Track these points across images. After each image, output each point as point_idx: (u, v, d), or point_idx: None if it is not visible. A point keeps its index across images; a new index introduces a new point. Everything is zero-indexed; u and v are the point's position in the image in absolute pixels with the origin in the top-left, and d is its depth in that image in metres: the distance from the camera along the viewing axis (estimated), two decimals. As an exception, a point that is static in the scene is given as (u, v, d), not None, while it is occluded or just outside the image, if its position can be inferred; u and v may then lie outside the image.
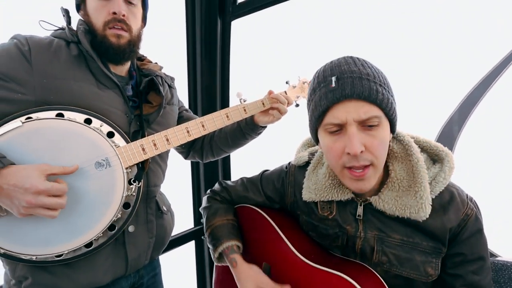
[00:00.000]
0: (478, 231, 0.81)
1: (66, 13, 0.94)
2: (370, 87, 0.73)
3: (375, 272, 0.85)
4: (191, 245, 1.78)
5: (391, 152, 0.86)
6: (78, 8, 0.95)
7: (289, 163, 1.08)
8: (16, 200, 0.70)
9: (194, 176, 1.78)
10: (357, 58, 0.79)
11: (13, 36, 0.86)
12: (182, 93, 1.25)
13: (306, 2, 1.32)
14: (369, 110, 0.73)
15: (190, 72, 1.61)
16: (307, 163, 1.01)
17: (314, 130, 0.84)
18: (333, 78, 0.75)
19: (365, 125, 0.74)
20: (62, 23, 0.95)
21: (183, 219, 1.42)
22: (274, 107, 1.13)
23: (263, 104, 1.14)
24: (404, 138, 0.85)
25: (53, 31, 0.93)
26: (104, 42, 0.90)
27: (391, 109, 0.76)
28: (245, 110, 1.10)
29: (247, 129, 1.16)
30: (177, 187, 1.25)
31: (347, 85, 0.73)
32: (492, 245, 0.95)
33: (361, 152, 0.74)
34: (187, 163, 1.74)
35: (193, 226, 1.80)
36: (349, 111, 0.74)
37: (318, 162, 0.98)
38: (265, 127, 1.19)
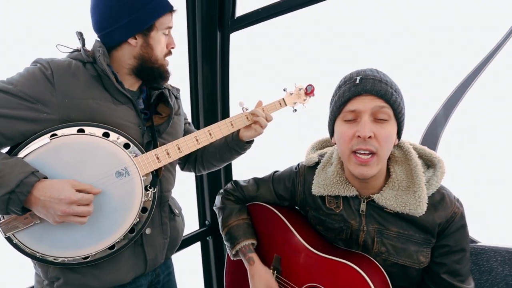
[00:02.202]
0: (462, 227, 0.94)
1: (81, 36, 1.01)
2: (387, 89, 0.87)
3: (375, 261, 0.97)
4: (197, 246, 1.87)
5: (392, 156, 0.98)
6: (125, 37, 0.98)
7: (298, 164, 1.19)
8: (51, 210, 0.79)
9: (197, 180, 1.87)
10: (381, 71, 0.94)
11: (35, 60, 0.92)
12: (184, 102, 1.33)
13: (300, 15, 1.43)
14: (383, 106, 0.87)
15: (192, 82, 1.70)
16: (317, 163, 1.12)
17: (333, 120, 0.97)
18: (358, 77, 0.90)
19: (377, 118, 0.88)
20: (68, 43, 1.02)
21: (188, 222, 1.50)
22: (256, 121, 1.17)
23: (247, 118, 1.19)
24: (404, 144, 0.98)
25: (69, 53, 1.01)
26: (160, 70, 1.04)
27: (400, 112, 0.90)
28: (247, 117, 1.19)
29: (233, 145, 1.21)
30: (181, 191, 1.34)
31: (368, 83, 0.88)
32: (473, 233, 1.06)
33: (370, 137, 0.86)
34: (191, 168, 1.82)
35: (198, 228, 1.89)
36: (366, 103, 0.88)
37: (328, 161, 1.09)
38: (251, 143, 1.24)
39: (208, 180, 1.83)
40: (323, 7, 1.33)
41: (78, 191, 0.83)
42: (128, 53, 1.01)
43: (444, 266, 0.94)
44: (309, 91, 1.33)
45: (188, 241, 1.74)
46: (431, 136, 1.30)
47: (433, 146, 1.28)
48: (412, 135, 1.11)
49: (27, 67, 0.92)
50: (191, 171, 1.39)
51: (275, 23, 1.47)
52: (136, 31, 0.98)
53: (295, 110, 1.36)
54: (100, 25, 0.98)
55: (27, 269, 1.01)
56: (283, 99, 1.31)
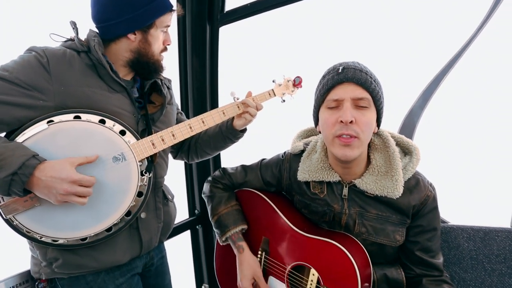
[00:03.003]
0: (434, 208, 1.04)
1: (75, 25, 1.03)
2: (367, 78, 0.95)
3: (356, 239, 1.05)
4: (186, 234, 1.92)
5: (372, 144, 1.07)
6: (125, 32, 1.01)
7: (285, 152, 1.26)
8: (54, 189, 0.82)
9: (187, 170, 1.91)
10: (362, 63, 1.02)
11: (29, 48, 0.93)
12: (174, 94, 1.37)
13: (288, 10, 1.49)
14: (363, 93, 0.95)
15: (181, 74, 1.73)
16: (302, 151, 1.19)
17: (318, 108, 1.04)
18: (340, 67, 0.98)
19: (358, 105, 0.95)
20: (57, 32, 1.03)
21: (178, 211, 1.55)
22: (245, 111, 1.23)
23: (238, 107, 1.24)
24: (383, 133, 1.07)
25: (62, 42, 1.03)
26: (155, 64, 1.07)
27: (379, 101, 0.97)
28: (238, 107, 1.24)
29: (227, 133, 1.25)
30: (171, 181, 1.38)
31: (350, 72, 0.95)
32: (444, 214, 1.18)
33: (351, 122, 0.94)
34: (181, 158, 1.86)
35: (188, 217, 1.93)
36: (347, 91, 0.95)
37: (312, 149, 1.17)
38: (244, 131, 1.29)
39: (197, 169, 1.88)
40: (310, 2, 1.40)
41: (78, 166, 0.86)
42: (125, 46, 1.03)
43: (418, 244, 1.04)
44: (297, 83, 1.39)
45: (178, 230, 1.78)
46: (408, 126, 1.40)
47: (410, 135, 1.39)
48: (391, 125, 1.20)
49: (21, 54, 0.92)
50: (183, 159, 1.43)
51: (264, 17, 1.53)
52: (137, 28, 1.01)
53: (284, 100, 1.42)
54: (101, 16, 1.00)
55: (18, 256, 1.03)
56: (272, 90, 1.37)
